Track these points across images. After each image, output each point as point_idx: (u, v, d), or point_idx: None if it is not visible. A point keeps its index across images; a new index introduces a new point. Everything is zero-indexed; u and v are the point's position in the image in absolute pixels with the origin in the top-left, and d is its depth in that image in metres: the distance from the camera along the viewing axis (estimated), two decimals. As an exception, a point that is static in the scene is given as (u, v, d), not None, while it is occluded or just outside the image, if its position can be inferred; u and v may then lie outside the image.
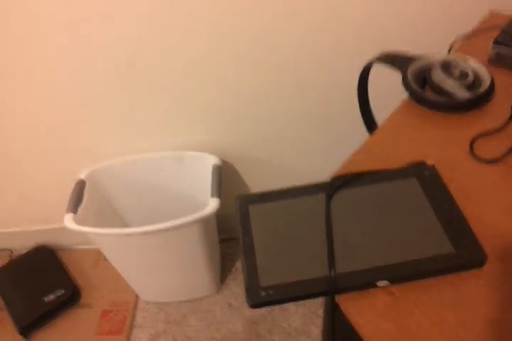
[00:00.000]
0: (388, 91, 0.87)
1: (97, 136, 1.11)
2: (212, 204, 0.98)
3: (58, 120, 1.07)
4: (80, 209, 1.02)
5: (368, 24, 0.89)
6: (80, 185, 1.08)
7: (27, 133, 1.10)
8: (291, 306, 1.24)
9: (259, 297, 0.42)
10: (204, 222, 1.01)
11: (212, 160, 1.09)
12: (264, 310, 1.24)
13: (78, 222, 0.98)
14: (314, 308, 1.23)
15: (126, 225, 1.27)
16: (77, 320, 1.26)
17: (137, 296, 1.31)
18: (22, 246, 1.42)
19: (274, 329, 1.20)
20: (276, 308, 1.24)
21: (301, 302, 1.23)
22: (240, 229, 0.48)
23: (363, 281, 0.42)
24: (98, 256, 1.40)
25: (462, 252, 0.43)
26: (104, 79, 0.98)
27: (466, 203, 0.48)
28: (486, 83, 0.58)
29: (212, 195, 1.00)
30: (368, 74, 0.68)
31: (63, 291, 1.28)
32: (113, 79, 0.98)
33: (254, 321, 1.22)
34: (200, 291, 1.27)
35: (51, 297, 1.26)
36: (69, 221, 0.98)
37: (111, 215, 1.21)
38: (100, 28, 0.88)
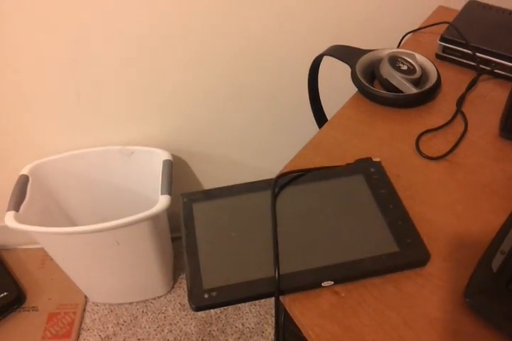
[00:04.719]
0: (340, 85, 0.87)
1: (41, 129, 1.06)
2: (162, 202, 0.96)
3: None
4: (22, 207, 0.98)
5: (318, 19, 0.88)
6: (23, 181, 1.03)
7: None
8: (244, 306, 1.23)
9: (202, 299, 0.41)
10: (154, 219, 0.98)
11: (162, 156, 1.07)
12: (217, 310, 1.22)
13: (20, 221, 0.94)
14: (268, 308, 1.22)
15: (73, 223, 1.24)
16: (21, 324, 1.22)
17: (86, 298, 1.27)
18: (-39, 246, 1.36)
19: (228, 329, 1.19)
20: (229, 308, 1.22)
21: (254, 302, 1.22)
22: (183, 228, 0.46)
23: (308, 282, 0.42)
24: (44, 256, 1.35)
25: (406, 251, 0.43)
26: (47, 70, 0.94)
27: (412, 201, 0.49)
28: (433, 78, 0.58)
29: (163, 192, 0.98)
30: (318, 68, 0.67)
31: (6, 293, 1.23)
32: (57, 70, 0.94)
33: (207, 321, 1.21)
34: (151, 291, 1.24)
35: (-7, 300, 1.21)
36: (10, 219, 0.94)
37: (56, 213, 1.17)
38: (42, 15, 0.84)
